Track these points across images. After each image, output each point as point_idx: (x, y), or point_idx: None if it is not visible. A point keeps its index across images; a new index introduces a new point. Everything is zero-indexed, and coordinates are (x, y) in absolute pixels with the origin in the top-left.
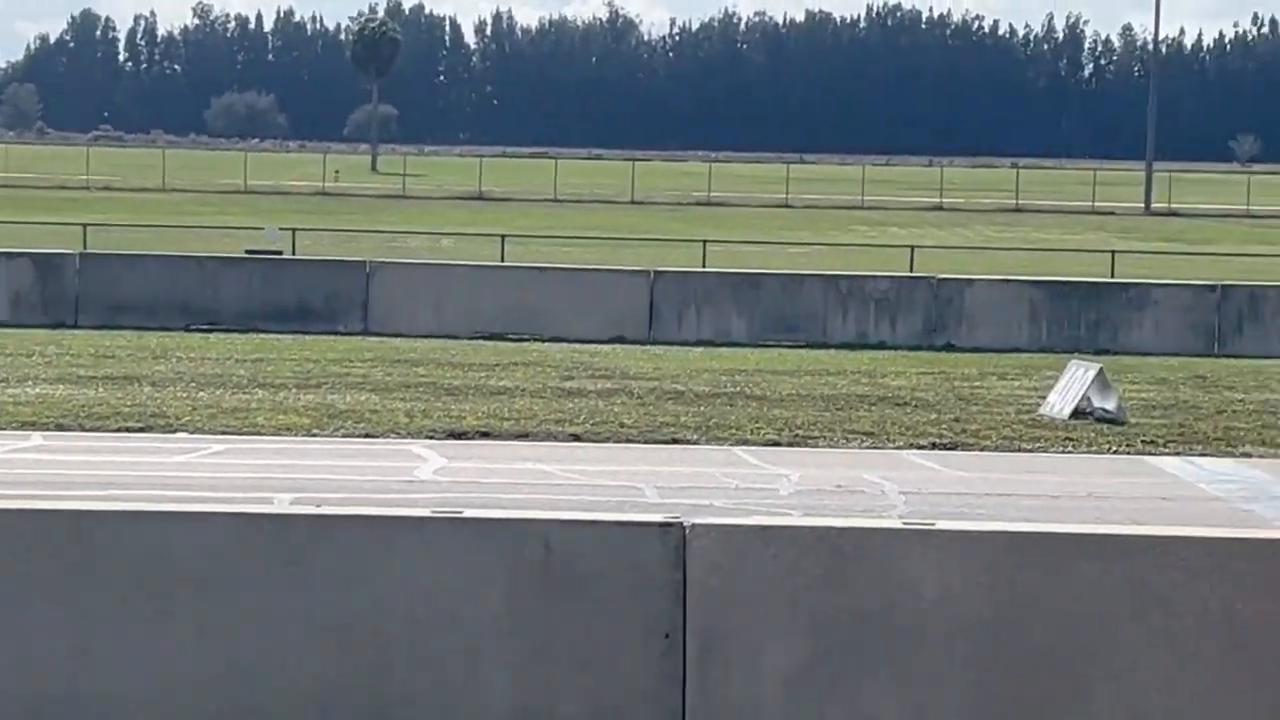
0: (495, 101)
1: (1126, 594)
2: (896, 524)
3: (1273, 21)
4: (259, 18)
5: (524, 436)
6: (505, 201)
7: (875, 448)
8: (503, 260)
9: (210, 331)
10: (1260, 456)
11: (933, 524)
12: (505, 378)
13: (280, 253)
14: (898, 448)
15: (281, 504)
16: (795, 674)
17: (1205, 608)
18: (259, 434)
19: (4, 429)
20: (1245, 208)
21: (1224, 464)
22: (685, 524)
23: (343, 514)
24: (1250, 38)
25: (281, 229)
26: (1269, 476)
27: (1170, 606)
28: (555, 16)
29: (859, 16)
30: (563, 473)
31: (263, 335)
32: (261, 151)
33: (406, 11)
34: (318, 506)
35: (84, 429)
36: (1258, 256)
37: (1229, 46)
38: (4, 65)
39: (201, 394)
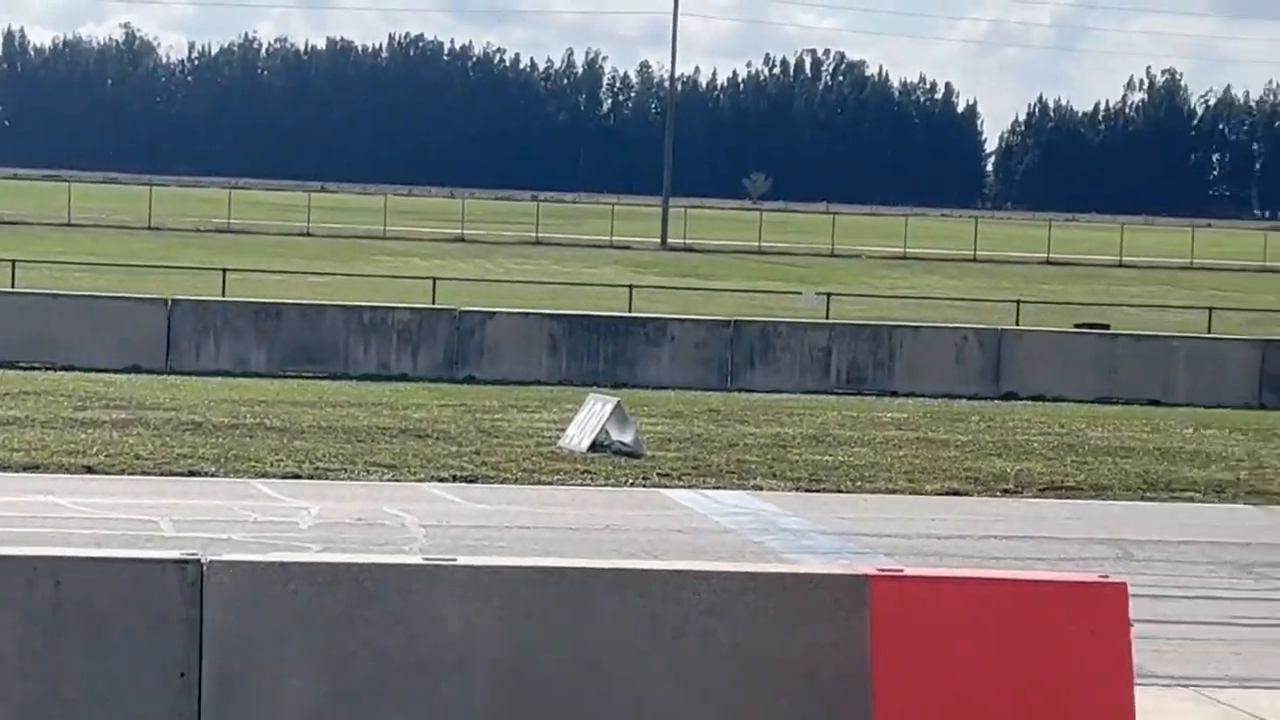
0: (6, 122)
1: (643, 627)
2: (417, 560)
3: (784, 62)
4: None
5: (34, 468)
6: (16, 225)
7: (396, 480)
8: (13, 286)
9: None
10: (770, 489)
11: (454, 560)
12: (15, 407)
13: None
14: (419, 480)
15: None
16: (315, 711)
17: (717, 641)
18: None
19: None
20: (757, 244)
21: (736, 496)
22: (202, 561)
23: None
24: (762, 77)
25: None
26: (778, 509)
27: (684, 639)
28: (70, 36)
29: (381, 46)
30: (75, 506)
31: None
32: None
33: None
34: None
35: None
36: (769, 293)
37: (742, 85)
38: None
39: None
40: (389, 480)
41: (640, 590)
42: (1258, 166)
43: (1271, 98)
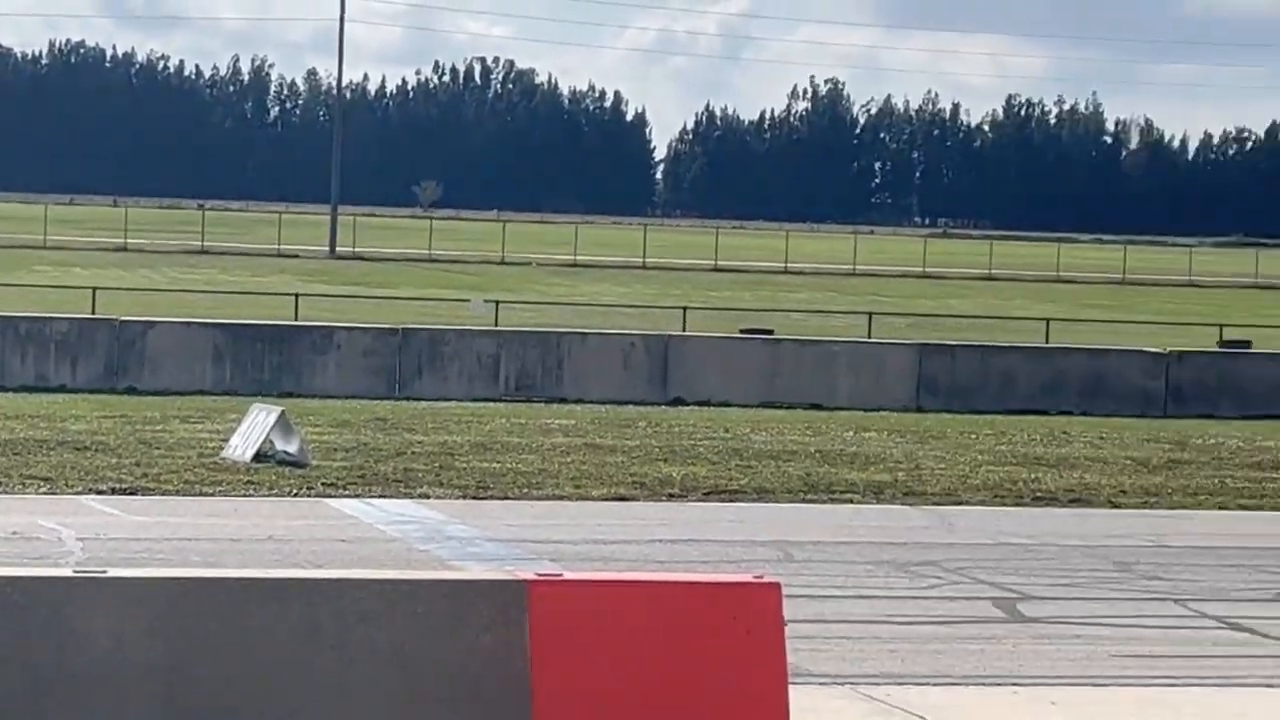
0: None
1: (302, 637)
2: (68, 572)
3: (453, 70)
4: None
5: None
6: None
7: (53, 494)
8: None
9: None
10: (438, 498)
11: (105, 572)
12: None
13: None
14: (77, 493)
15: None
16: None
17: (376, 649)
18: None
19: None
20: (428, 252)
21: (403, 505)
22: None
23: None
24: (431, 85)
25: None
26: (444, 517)
27: (344, 649)
28: None
29: (41, 53)
30: None
31: None
32: None
33: None
34: None
35: None
36: (439, 300)
37: (411, 93)
38: None
39: None
40: (45, 494)
41: (299, 599)
42: (917, 175)
43: (930, 107)
